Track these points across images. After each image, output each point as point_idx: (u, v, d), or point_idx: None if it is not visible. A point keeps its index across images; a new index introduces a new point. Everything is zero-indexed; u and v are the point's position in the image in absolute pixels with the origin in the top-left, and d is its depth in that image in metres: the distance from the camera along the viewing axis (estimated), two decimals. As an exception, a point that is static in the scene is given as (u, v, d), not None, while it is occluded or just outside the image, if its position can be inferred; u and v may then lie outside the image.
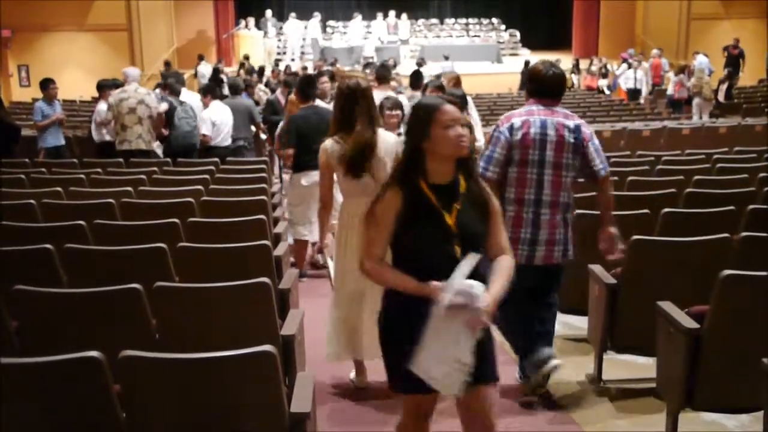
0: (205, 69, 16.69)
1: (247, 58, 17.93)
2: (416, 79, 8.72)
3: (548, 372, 3.64)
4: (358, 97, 3.77)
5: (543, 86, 3.75)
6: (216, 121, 8.17)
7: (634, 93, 16.85)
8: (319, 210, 4.02)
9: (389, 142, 3.84)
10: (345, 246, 3.84)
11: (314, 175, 5.04)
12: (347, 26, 23.70)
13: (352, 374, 4.10)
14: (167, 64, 17.14)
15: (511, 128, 3.67)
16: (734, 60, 17.86)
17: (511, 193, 3.68)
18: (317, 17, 22.27)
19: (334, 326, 3.95)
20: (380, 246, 2.59)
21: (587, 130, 3.76)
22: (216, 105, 8.28)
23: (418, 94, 8.15)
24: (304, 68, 16.57)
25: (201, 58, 18.05)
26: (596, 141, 3.76)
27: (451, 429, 3.61)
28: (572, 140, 3.67)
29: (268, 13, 21.85)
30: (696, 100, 14.25)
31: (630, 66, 17.31)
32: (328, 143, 3.84)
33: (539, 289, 3.76)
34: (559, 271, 3.81)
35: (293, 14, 22.16)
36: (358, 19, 22.29)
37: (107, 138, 8.68)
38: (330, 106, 5.79)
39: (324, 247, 4.04)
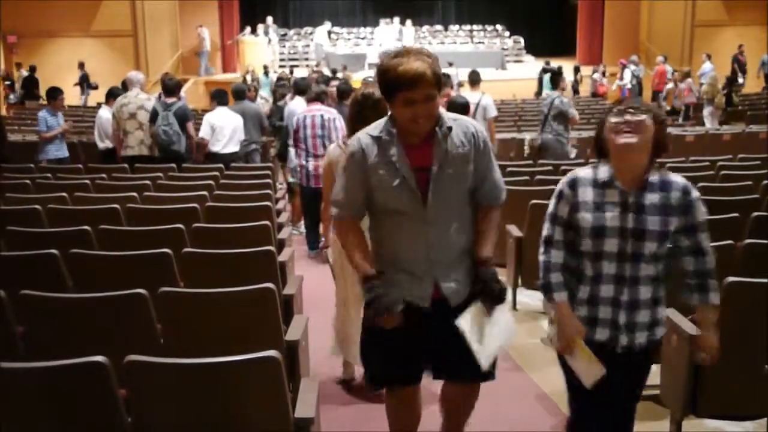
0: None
1: (265, 67, 18.24)
2: (557, 76, 9.29)
3: None
4: (367, 107, 3.79)
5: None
6: (214, 124, 7.98)
7: None
8: (325, 209, 4.02)
9: None
10: (341, 252, 3.81)
11: None
12: (352, 32, 23.78)
13: (341, 370, 4.29)
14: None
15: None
16: (742, 67, 17.88)
17: None
18: (327, 25, 22.33)
19: (335, 321, 4.15)
20: None
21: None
22: (218, 111, 8.11)
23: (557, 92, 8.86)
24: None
25: (31, 68, 17.78)
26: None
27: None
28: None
29: (269, 19, 21.83)
30: (708, 108, 14.04)
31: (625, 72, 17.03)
32: (332, 148, 4.16)
33: None
34: None
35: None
36: (382, 26, 22.25)
37: (110, 145, 8.62)
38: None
39: (329, 245, 4.10)
